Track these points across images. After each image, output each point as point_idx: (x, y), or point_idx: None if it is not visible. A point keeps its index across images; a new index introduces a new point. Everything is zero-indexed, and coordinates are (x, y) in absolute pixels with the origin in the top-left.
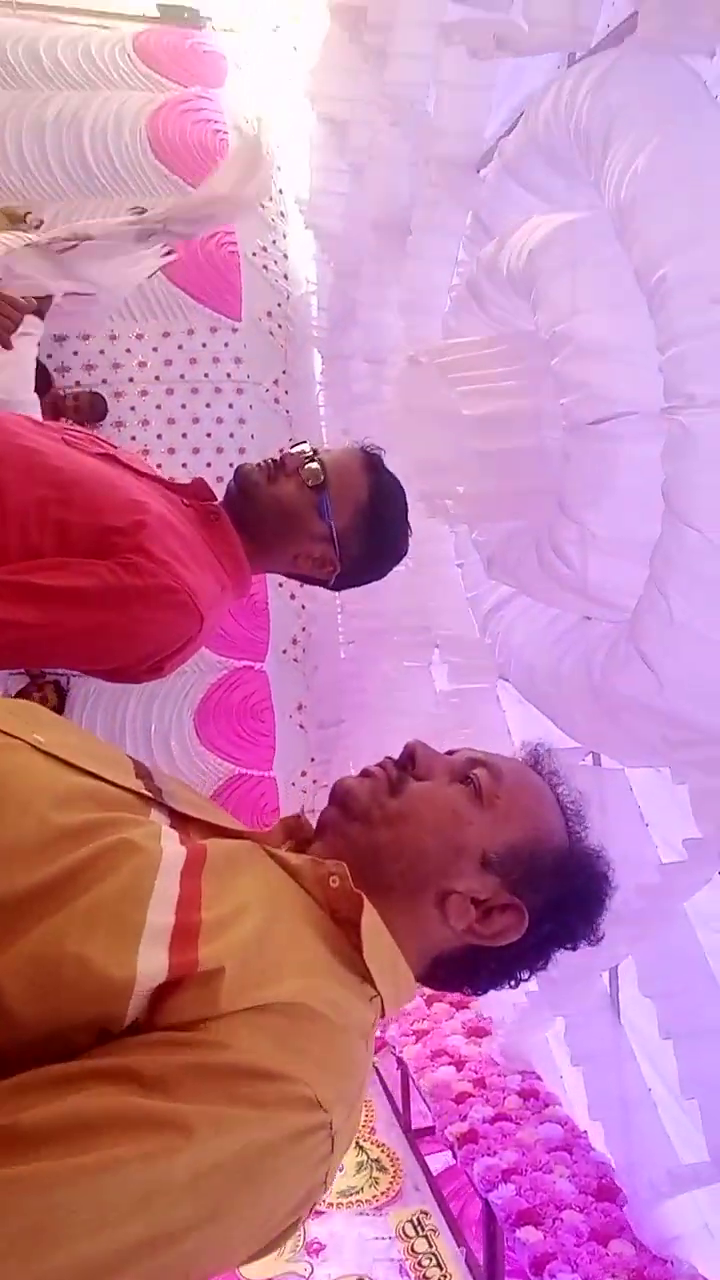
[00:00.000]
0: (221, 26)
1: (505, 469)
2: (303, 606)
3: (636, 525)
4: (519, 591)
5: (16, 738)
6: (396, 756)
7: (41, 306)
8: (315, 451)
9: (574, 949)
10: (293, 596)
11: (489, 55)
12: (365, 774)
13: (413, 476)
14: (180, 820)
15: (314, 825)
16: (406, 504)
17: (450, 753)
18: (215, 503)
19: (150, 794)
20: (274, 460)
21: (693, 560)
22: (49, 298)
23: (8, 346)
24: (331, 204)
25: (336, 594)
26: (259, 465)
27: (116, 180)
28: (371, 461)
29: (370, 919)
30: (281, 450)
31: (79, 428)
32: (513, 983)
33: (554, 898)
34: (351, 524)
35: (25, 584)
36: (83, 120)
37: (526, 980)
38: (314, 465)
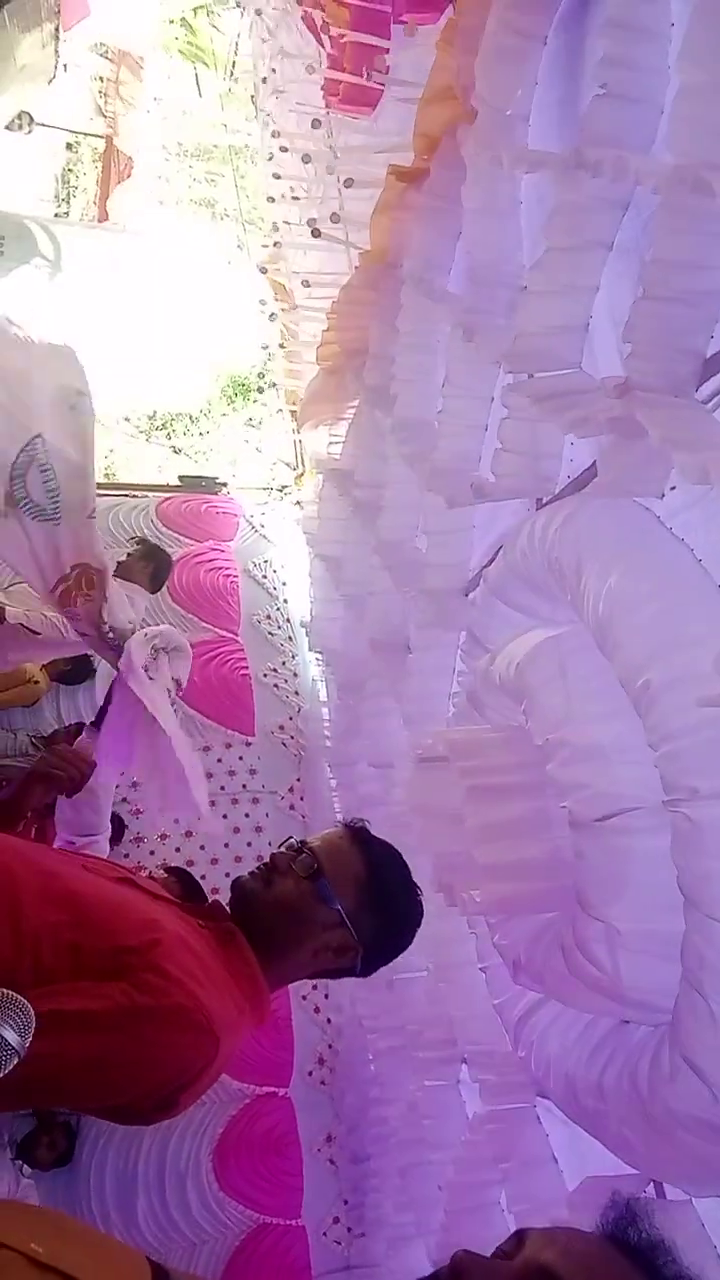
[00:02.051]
0: (236, 489)
1: (518, 874)
2: (328, 1020)
3: (662, 918)
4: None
5: (10, 1248)
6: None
7: None
8: (302, 843)
9: None
10: (317, 1010)
11: (466, 503)
12: None
13: (431, 869)
14: None
15: None
16: (406, 865)
17: (507, 1250)
18: (230, 922)
19: None
20: (265, 864)
21: None
22: None
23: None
24: (331, 629)
25: (363, 1006)
26: (252, 873)
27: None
28: (359, 834)
29: None
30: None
31: (97, 855)
32: None
33: None
34: (358, 900)
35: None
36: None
37: None
38: (304, 856)
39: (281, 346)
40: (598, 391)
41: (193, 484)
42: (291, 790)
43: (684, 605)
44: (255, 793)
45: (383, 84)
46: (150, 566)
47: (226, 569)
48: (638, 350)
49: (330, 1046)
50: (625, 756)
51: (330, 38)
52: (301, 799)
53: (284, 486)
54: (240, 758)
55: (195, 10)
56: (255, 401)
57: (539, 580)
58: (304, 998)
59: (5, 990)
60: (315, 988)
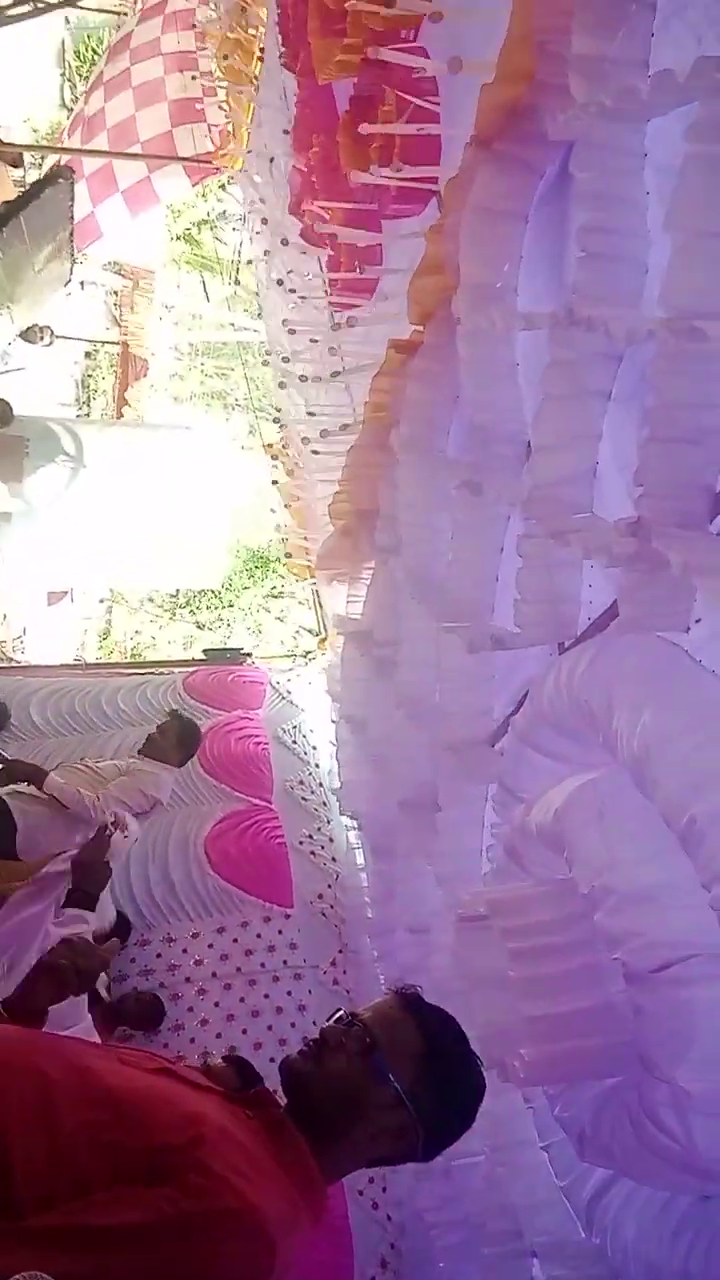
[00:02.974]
0: (259, 657)
1: (571, 1030)
2: (388, 1217)
3: None
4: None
5: None
6: None
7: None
8: (353, 1015)
9: None
10: (375, 1205)
11: (485, 647)
12: None
13: (479, 1045)
14: None
15: None
16: (463, 1033)
17: None
18: (279, 1110)
19: None
20: (314, 1040)
21: None
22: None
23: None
24: (359, 791)
25: (424, 1198)
26: (301, 1052)
27: (172, 797)
28: (411, 1002)
29: None
30: (320, 1027)
31: (134, 1045)
32: None
33: None
34: (416, 1075)
35: (71, 1228)
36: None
37: None
38: (356, 1029)
39: (285, 526)
40: (612, 531)
41: (218, 656)
42: (334, 964)
43: None
44: (297, 968)
45: (376, 275)
46: (176, 740)
47: (256, 736)
48: (649, 490)
49: (393, 1246)
50: (677, 900)
51: (328, 239)
52: (345, 972)
53: (308, 652)
54: (280, 931)
55: (199, 225)
56: (275, 573)
57: (569, 724)
58: (360, 1193)
59: (36, 1273)
60: (372, 1181)
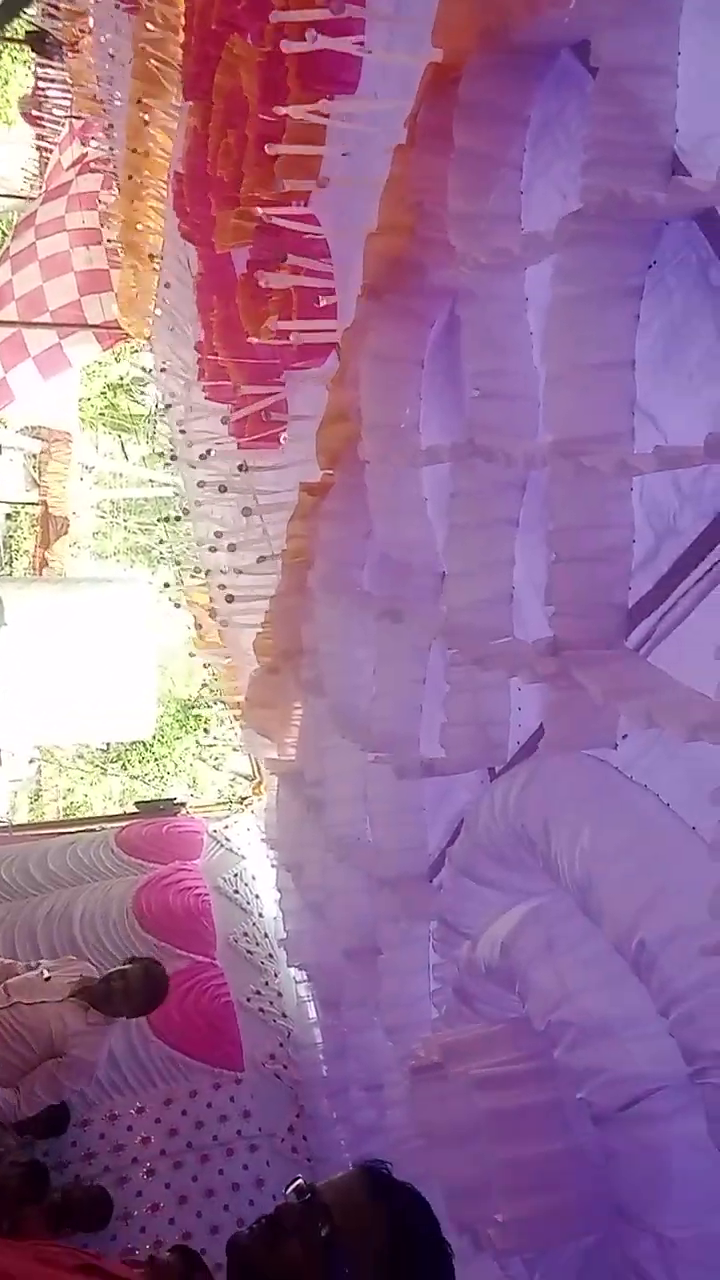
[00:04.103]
0: (195, 806)
1: (542, 1181)
2: None
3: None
4: None
5: None
6: None
7: None
8: (313, 1191)
9: None
10: None
11: (415, 776)
12: None
13: (446, 1208)
14: None
15: None
16: (434, 1217)
17: None
18: None
19: None
20: (269, 1219)
21: None
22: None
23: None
24: (303, 940)
25: None
26: (252, 1229)
27: (106, 957)
28: (378, 1182)
29: None
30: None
31: (53, 1242)
32: None
33: None
34: (379, 1273)
35: None
36: (73, 913)
37: None
38: (315, 1211)
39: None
40: (531, 652)
41: (150, 808)
42: (292, 1130)
43: (662, 853)
44: (252, 1139)
45: (283, 421)
46: (142, 1000)
47: (196, 888)
48: (561, 610)
49: None
50: (636, 1029)
51: (233, 396)
52: (304, 1139)
53: (244, 798)
54: (231, 1099)
55: (114, 389)
56: (206, 720)
57: (507, 852)
58: None
59: None
60: None
